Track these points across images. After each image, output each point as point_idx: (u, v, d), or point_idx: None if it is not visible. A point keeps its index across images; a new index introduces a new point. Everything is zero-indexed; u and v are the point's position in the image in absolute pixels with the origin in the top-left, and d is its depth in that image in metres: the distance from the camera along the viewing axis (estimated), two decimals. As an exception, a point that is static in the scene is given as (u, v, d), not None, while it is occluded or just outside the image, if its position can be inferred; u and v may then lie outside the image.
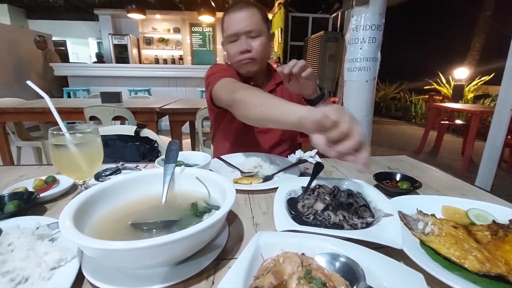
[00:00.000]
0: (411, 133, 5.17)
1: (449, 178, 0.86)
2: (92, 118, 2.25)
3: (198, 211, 0.50)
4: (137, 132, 1.28)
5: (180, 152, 0.82)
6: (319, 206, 0.58)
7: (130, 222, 0.46)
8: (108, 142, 1.23)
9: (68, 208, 0.43)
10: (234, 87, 0.84)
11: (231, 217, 0.59)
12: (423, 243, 0.49)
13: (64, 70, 4.66)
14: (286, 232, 0.48)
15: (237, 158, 0.92)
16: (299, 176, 0.80)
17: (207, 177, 0.58)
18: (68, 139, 0.55)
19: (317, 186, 0.68)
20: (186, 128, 2.96)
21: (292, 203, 0.60)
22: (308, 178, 0.70)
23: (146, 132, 1.30)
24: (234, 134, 1.11)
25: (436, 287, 0.40)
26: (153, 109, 2.37)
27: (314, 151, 0.97)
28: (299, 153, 0.96)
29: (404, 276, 0.38)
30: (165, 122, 4.38)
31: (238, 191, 0.72)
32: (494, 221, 0.54)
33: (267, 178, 0.79)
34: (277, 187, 0.66)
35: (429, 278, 0.39)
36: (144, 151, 1.16)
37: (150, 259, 0.38)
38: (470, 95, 5.42)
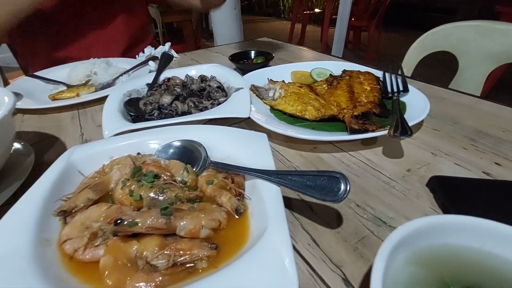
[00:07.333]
0: (282, 28, 5.38)
1: (303, 50, 0.89)
2: None
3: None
4: None
5: None
6: (166, 99, 0.48)
7: None
8: None
9: None
10: None
11: (46, 142, 0.43)
12: (272, 109, 0.48)
13: None
14: (114, 137, 0.37)
15: (59, 71, 0.67)
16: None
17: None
18: None
19: (166, 80, 0.56)
20: None
21: (132, 104, 0.48)
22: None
23: None
24: (51, 47, 0.77)
25: (281, 143, 0.41)
26: None
27: (168, 44, 0.81)
28: (149, 50, 0.78)
29: (248, 140, 0.35)
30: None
31: (59, 108, 0.53)
32: (331, 75, 0.58)
33: (106, 86, 0.61)
34: (115, 92, 0.51)
35: (273, 136, 0.41)
36: None
37: None
38: (325, -17, 5.82)
